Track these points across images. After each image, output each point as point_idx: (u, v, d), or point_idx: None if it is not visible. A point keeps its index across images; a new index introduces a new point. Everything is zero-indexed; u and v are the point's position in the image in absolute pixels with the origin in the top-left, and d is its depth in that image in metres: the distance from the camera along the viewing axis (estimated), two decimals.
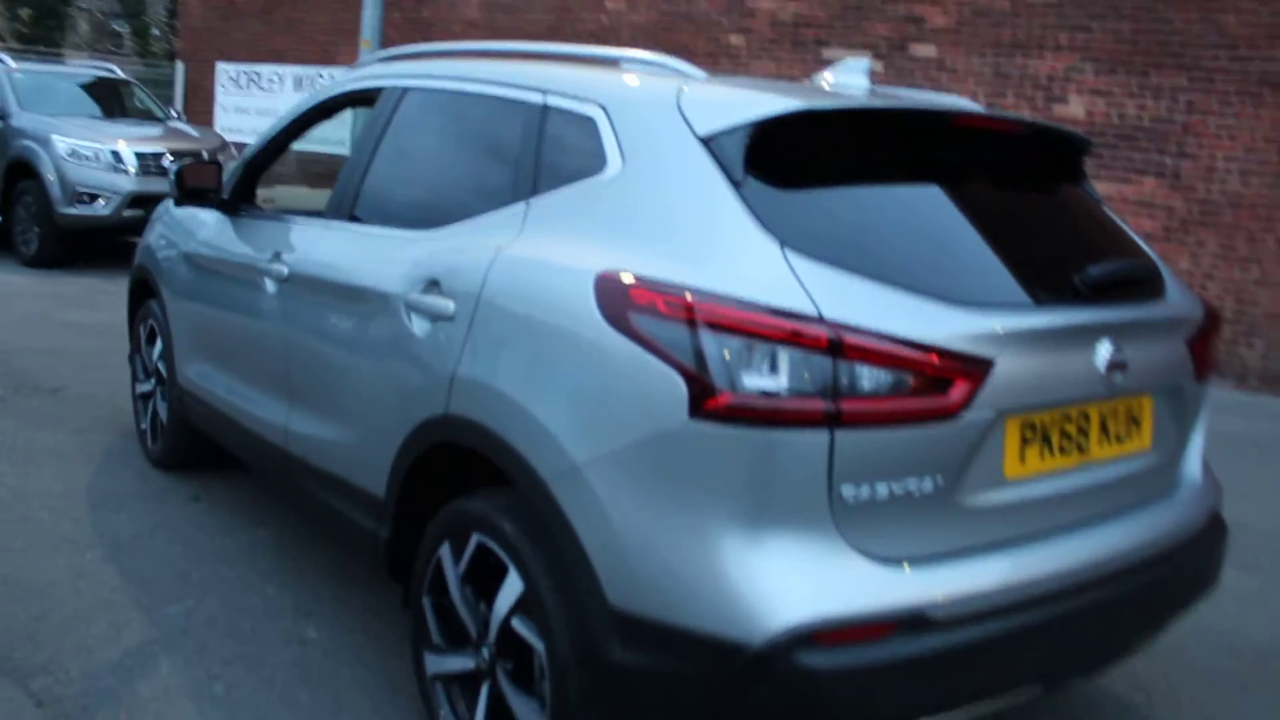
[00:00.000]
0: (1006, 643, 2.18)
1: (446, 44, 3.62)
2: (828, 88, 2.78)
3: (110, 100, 11.50)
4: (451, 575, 2.63)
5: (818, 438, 2.00)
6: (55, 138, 9.82)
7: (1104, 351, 2.35)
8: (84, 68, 12.62)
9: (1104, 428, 2.46)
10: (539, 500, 2.29)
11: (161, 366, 4.59)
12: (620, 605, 2.14)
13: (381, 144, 3.30)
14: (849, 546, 2.05)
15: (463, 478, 2.68)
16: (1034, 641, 2.25)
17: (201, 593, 3.60)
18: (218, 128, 15.46)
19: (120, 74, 12.50)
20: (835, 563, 2.04)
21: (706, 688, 2.06)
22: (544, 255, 2.47)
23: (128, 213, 9.78)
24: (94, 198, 9.74)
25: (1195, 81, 8.41)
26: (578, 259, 2.35)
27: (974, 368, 2.10)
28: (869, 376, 2.02)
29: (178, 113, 13.75)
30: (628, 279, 2.21)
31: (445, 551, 2.65)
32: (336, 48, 14.72)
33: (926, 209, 2.45)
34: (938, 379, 2.07)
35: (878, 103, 2.59)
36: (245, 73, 16.11)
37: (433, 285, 2.73)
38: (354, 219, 3.29)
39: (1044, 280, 2.38)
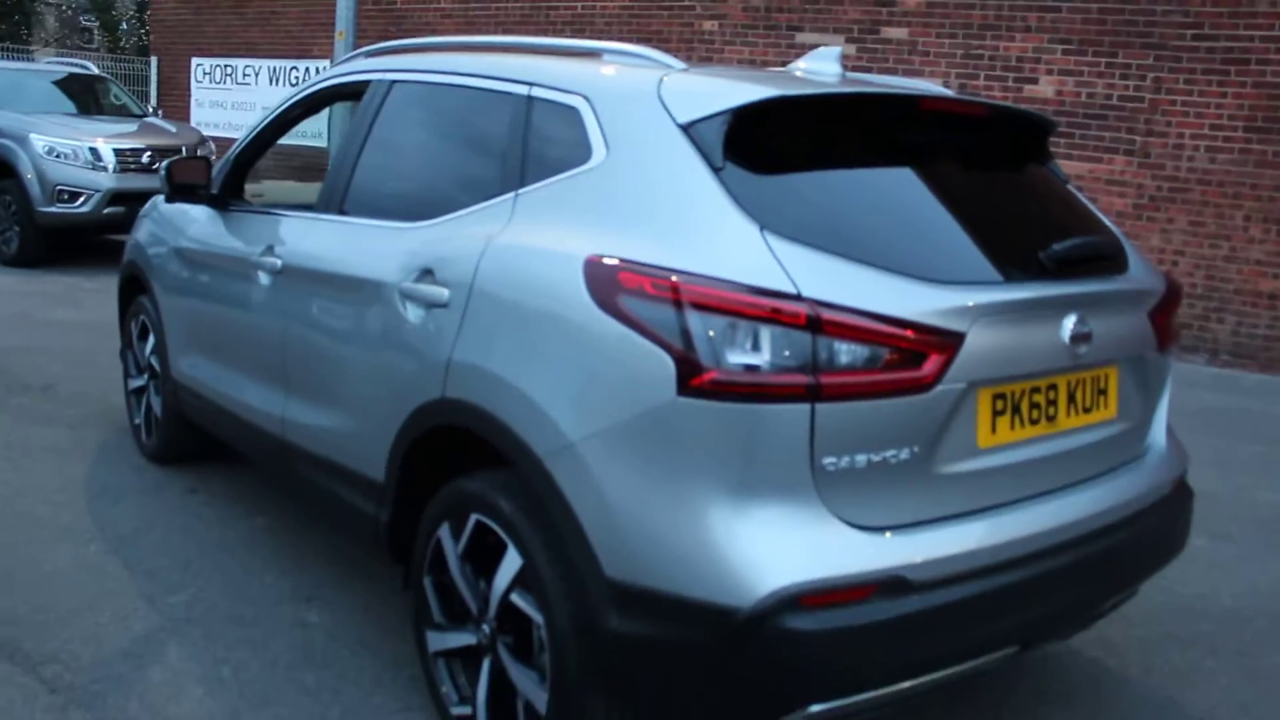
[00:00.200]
0: (983, 604, 2.29)
1: (432, 39, 3.71)
2: (801, 75, 2.88)
3: (86, 97, 11.48)
4: (451, 554, 2.73)
5: (799, 410, 2.11)
6: (33, 136, 9.81)
7: (1069, 324, 2.46)
8: (58, 64, 12.57)
9: (1072, 398, 2.58)
10: (535, 478, 2.39)
11: (154, 361, 4.66)
12: (616, 576, 2.24)
13: (370, 137, 3.38)
14: (831, 514, 2.16)
15: (459, 460, 2.78)
16: (1010, 603, 2.36)
17: (204, 581, 3.69)
18: (194, 122, 15.44)
19: (95, 70, 12.48)
20: (818, 529, 2.15)
21: (699, 652, 2.16)
22: (534, 242, 2.57)
23: (108, 210, 9.80)
24: (74, 196, 9.75)
25: (1162, 60, 8.56)
26: (566, 245, 2.45)
27: (946, 341, 2.21)
28: (846, 351, 2.13)
29: (154, 108, 13.73)
30: (615, 263, 2.31)
31: (444, 531, 2.75)
32: (311, 40, 14.72)
33: (898, 190, 2.56)
34: (912, 352, 2.18)
35: (849, 89, 2.69)
36: (220, 66, 16.08)
37: (426, 274, 2.82)
38: (345, 212, 3.37)
39: (1011, 257, 2.49)
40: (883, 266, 2.24)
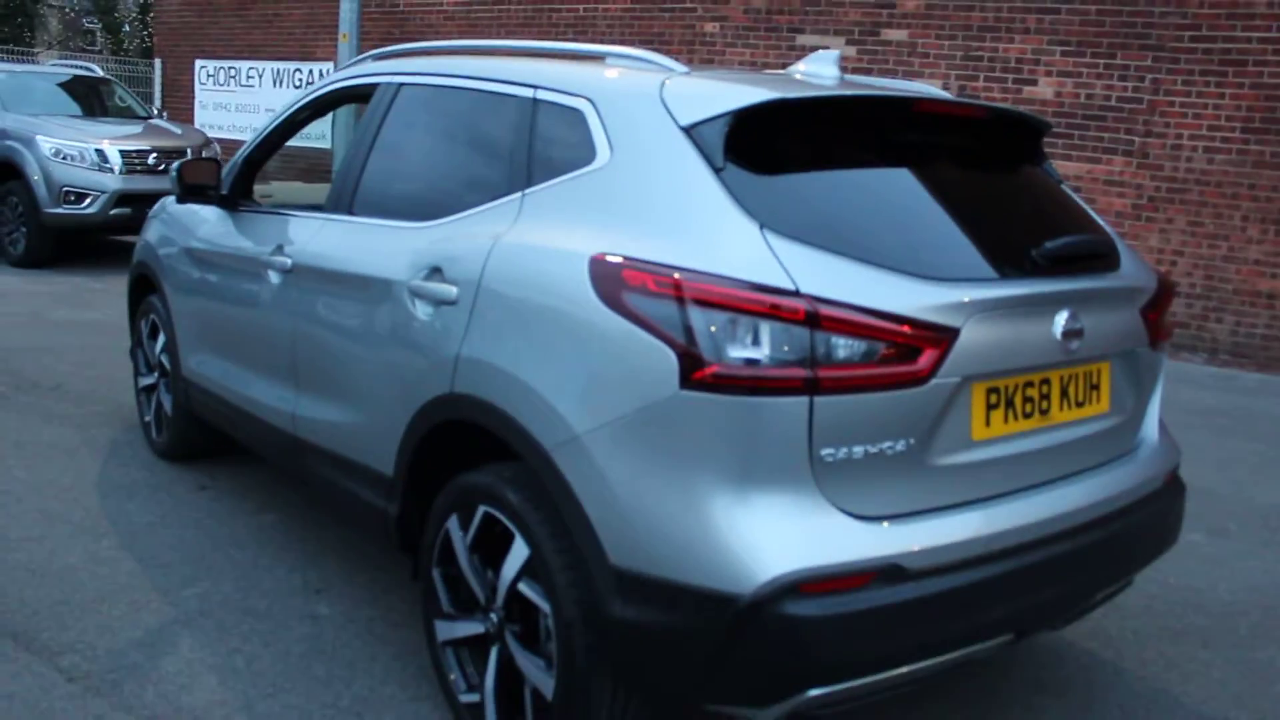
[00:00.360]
0: (978, 592, 2.36)
1: (439, 42, 3.77)
2: (800, 78, 2.95)
3: (91, 99, 11.57)
4: (460, 545, 2.80)
5: (798, 403, 2.17)
6: (40, 138, 9.90)
7: (1061, 320, 2.53)
8: (63, 67, 12.65)
9: (1065, 393, 2.65)
10: (542, 469, 2.46)
11: (165, 360, 4.73)
12: (621, 564, 2.31)
13: (378, 139, 3.45)
14: (829, 504, 2.23)
15: (467, 454, 2.85)
16: (1004, 591, 2.43)
17: (216, 575, 3.76)
18: (198, 124, 15.53)
19: (100, 72, 12.56)
20: (817, 519, 2.21)
21: (702, 638, 2.22)
22: (540, 241, 2.64)
23: (114, 211, 9.89)
24: (80, 197, 9.83)
25: (1160, 62, 8.63)
26: (572, 243, 2.52)
27: (940, 336, 2.28)
28: (843, 346, 2.19)
29: (159, 110, 13.81)
30: (619, 260, 2.38)
31: (453, 523, 2.82)
32: (314, 42, 14.81)
33: (894, 190, 2.63)
34: (907, 347, 2.25)
35: (846, 92, 2.76)
36: (223, 69, 16.17)
37: (435, 272, 2.89)
38: (354, 212, 3.44)
39: (1005, 255, 2.56)
40: (879, 264, 2.31)
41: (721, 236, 2.33)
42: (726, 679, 2.26)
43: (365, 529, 3.38)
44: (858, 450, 2.24)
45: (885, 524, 2.29)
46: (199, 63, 16.51)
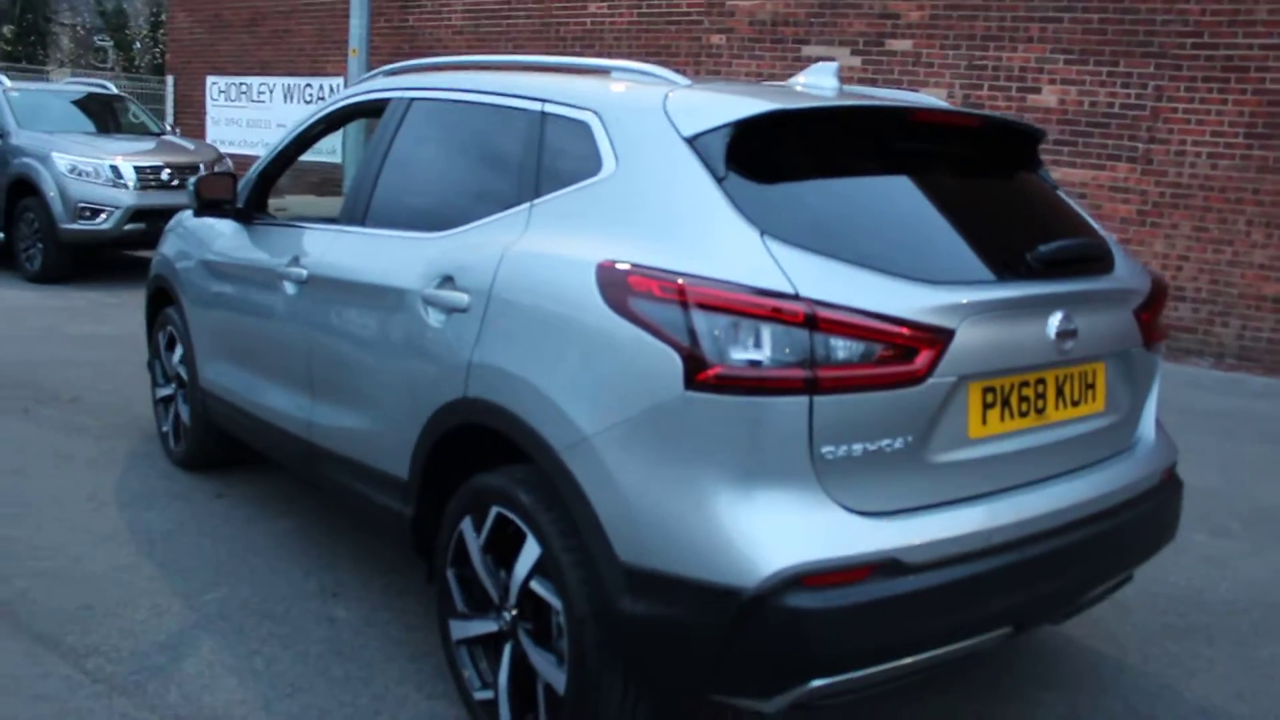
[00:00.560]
0: (976, 585, 2.43)
1: (449, 58, 3.87)
2: (800, 89, 3.04)
3: (105, 116, 11.70)
4: (473, 546, 2.88)
5: (798, 403, 2.25)
6: (55, 155, 10.02)
7: (1055, 321, 2.60)
8: (77, 84, 12.81)
9: (1060, 392, 2.72)
10: (553, 470, 2.54)
11: (182, 370, 4.83)
12: (629, 561, 2.39)
13: (391, 152, 3.55)
14: (830, 499, 2.30)
15: (480, 457, 2.93)
16: (1001, 585, 2.50)
17: (234, 580, 3.85)
18: (210, 140, 15.68)
19: (113, 89, 12.71)
20: (818, 514, 2.29)
21: (708, 631, 2.30)
22: (549, 249, 2.72)
23: (128, 226, 10.01)
24: (95, 213, 9.95)
25: (1163, 69, 8.69)
26: (579, 251, 2.60)
27: (936, 337, 2.36)
28: (842, 347, 2.27)
29: (172, 126, 13.96)
30: (626, 267, 2.46)
31: (467, 525, 2.90)
32: (324, 58, 14.96)
33: (891, 197, 2.71)
34: (904, 348, 2.32)
35: (843, 102, 2.84)
36: (235, 85, 16.34)
37: (447, 281, 2.98)
38: (368, 223, 3.53)
39: (1000, 259, 2.63)
40: (876, 268, 2.39)
41: (723, 243, 2.41)
42: (732, 671, 2.33)
43: (381, 533, 3.46)
44: (857, 448, 2.31)
45: (884, 519, 2.36)
46: (210, 79, 16.68)
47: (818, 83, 3.04)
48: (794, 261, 2.34)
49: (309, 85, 15.20)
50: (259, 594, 3.75)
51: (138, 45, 31.70)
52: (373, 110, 3.86)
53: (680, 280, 2.35)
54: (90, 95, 12.04)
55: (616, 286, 2.46)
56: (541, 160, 2.94)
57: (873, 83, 9.78)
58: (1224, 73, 8.45)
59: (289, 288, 3.79)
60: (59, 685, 3.09)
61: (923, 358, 2.34)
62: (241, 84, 16.23)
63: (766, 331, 2.27)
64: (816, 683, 2.31)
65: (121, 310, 8.80)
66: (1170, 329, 8.79)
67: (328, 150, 12.52)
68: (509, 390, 2.70)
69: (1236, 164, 8.48)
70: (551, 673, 2.65)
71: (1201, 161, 8.62)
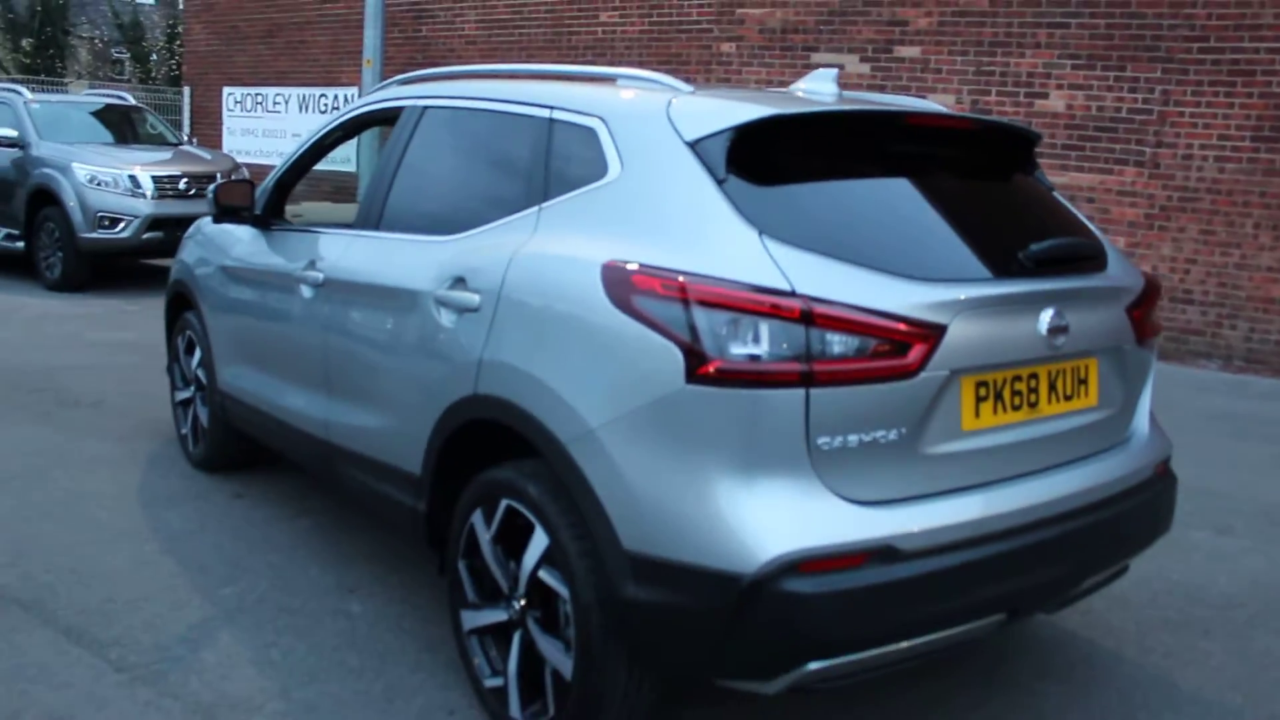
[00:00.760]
0: (969, 572, 2.51)
1: (461, 67, 3.98)
2: (801, 95, 3.13)
3: (123, 126, 11.87)
4: (484, 538, 2.98)
5: (795, 395, 2.34)
6: (75, 165, 10.18)
7: (1046, 318, 2.68)
8: (95, 96, 12.98)
9: (1053, 386, 2.80)
10: (560, 462, 2.64)
11: (201, 374, 4.94)
12: (633, 548, 2.48)
13: (404, 159, 3.65)
14: (826, 489, 2.39)
15: (489, 452, 3.02)
16: (994, 572, 2.58)
17: (252, 576, 3.95)
18: (226, 149, 15.86)
19: (132, 101, 12.88)
20: (814, 503, 2.38)
21: (709, 615, 2.38)
22: (556, 250, 2.82)
23: (147, 235, 10.16)
24: (114, 222, 10.10)
25: (1169, 73, 8.76)
26: (585, 252, 2.70)
27: (929, 332, 2.44)
28: (837, 341, 2.36)
29: (189, 136, 14.13)
30: (630, 267, 2.56)
31: (478, 517, 3.00)
32: (339, 68, 15.12)
33: (887, 198, 2.80)
34: (897, 343, 2.41)
35: (840, 107, 2.93)
36: (250, 95, 16.52)
37: (459, 282, 3.08)
38: (382, 228, 3.64)
39: (993, 257, 2.71)
40: (871, 266, 2.48)
41: (723, 243, 2.50)
42: (732, 654, 2.42)
43: (395, 528, 3.56)
44: (853, 439, 2.40)
45: (880, 508, 2.44)
46: (227, 89, 16.87)
47: (817, 89, 3.13)
48: (791, 260, 2.43)
49: (324, 95, 15.37)
50: (276, 589, 3.85)
51: (154, 57, 31.99)
52: (387, 118, 3.97)
53: (681, 278, 2.44)
54: (109, 106, 12.21)
55: (621, 285, 2.55)
56: (549, 165, 3.05)
57: (881, 89, 9.87)
58: (1230, 76, 8.51)
59: (306, 291, 3.90)
60: (84, 674, 3.20)
61: (916, 352, 2.43)
62: (257, 94, 16.41)
63: (764, 327, 2.36)
64: (814, 665, 2.39)
65: (140, 317, 8.94)
66: (1178, 332, 8.84)
67: (341, 159, 12.69)
68: (518, 386, 2.79)
69: (1243, 167, 8.53)
70: (559, 659, 2.74)
71: (1208, 165, 8.68)
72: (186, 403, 5.18)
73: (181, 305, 5.17)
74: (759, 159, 2.66)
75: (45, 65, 28.81)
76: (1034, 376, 2.74)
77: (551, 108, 3.13)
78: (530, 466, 2.82)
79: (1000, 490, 2.65)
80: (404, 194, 3.63)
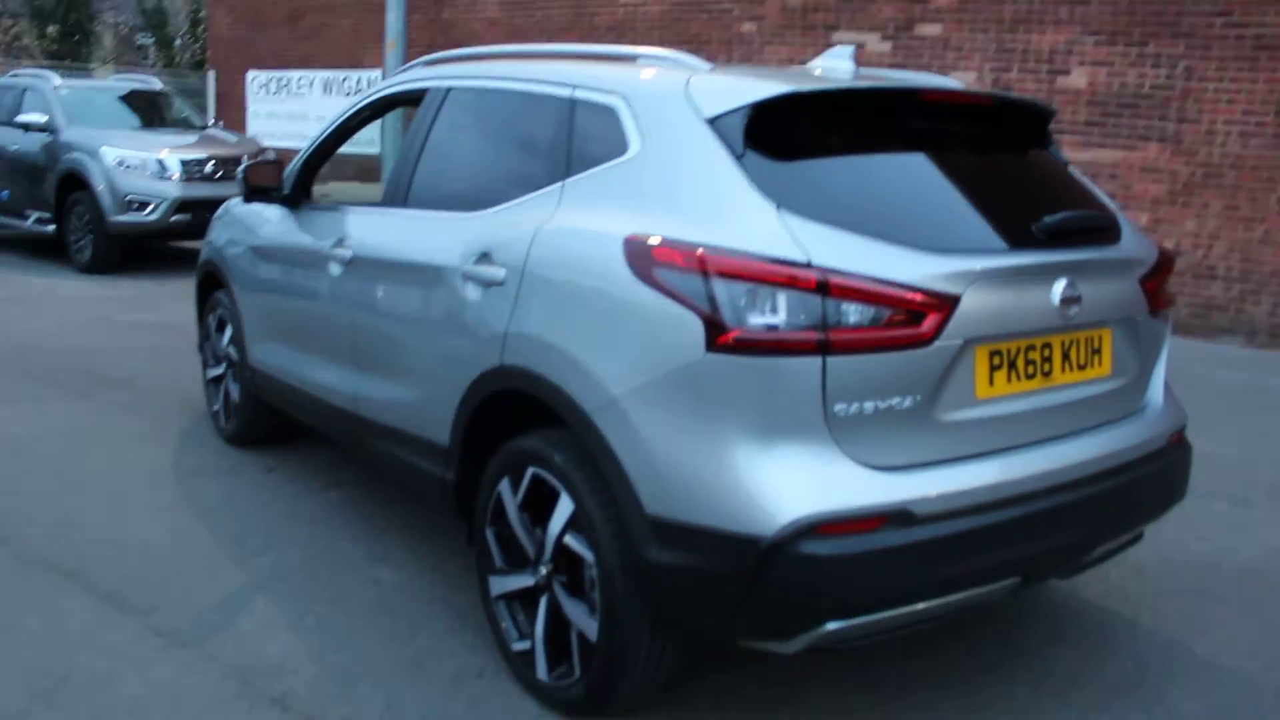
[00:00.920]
0: (982, 536, 2.58)
1: (484, 48, 4.05)
2: (818, 72, 3.19)
3: (150, 111, 11.98)
4: (511, 505, 3.07)
5: (812, 363, 2.41)
6: (104, 149, 10.30)
7: (1059, 288, 2.74)
8: (122, 81, 13.10)
9: (1066, 356, 2.86)
10: (584, 430, 2.72)
11: (232, 351, 5.05)
12: (655, 513, 2.56)
13: (430, 138, 3.73)
14: (843, 454, 2.46)
15: (515, 422, 3.11)
16: (1008, 536, 2.64)
17: (285, 546, 4.06)
18: (251, 133, 15.99)
19: (159, 85, 13.01)
20: (832, 468, 2.45)
21: (729, 576, 2.46)
22: (579, 225, 2.90)
23: (175, 218, 10.28)
24: (143, 205, 10.23)
25: (1192, 48, 8.72)
26: (607, 226, 2.78)
27: (943, 302, 2.51)
28: (853, 311, 2.43)
29: (215, 120, 14.25)
30: (651, 240, 2.63)
31: (505, 485, 3.08)
32: (362, 51, 15.21)
33: (901, 173, 2.85)
34: (911, 312, 2.47)
35: (856, 83, 2.99)
36: (275, 79, 16.63)
37: (485, 257, 3.16)
38: (409, 205, 3.72)
39: (1006, 230, 2.77)
40: (886, 238, 2.54)
41: (742, 216, 2.57)
42: (752, 615, 2.50)
43: (424, 498, 3.65)
44: (869, 405, 2.47)
45: (895, 473, 2.51)
46: (251, 73, 17.00)
47: (834, 66, 3.19)
48: (808, 232, 2.50)
49: (347, 78, 15.47)
50: (309, 559, 3.95)
51: (178, 42, 32.18)
52: (412, 99, 4.05)
53: (701, 251, 2.52)
54: (135, 91, 12.32)
55: (642, 258, 2.63)
56: (571, 143, 3.12)
57: (903, 67, 9.86)
58: (1254, 51, 8.47)
59: (334, 268, 3.99)
60: (125, 637, 3.31)
61: (930, 321, 2.49)
62: (281, 78, 16.52)
63: (782, 297, 2.43)
64: (831, 625, 2.46)
65: (169, 299, 9.08)
66: (1201, 307, 8.83)
67: (366, 141, 12.77)
68: (542, 357, 2.87)
69: (1267, 142, 8.50)
70: (584, 622, 2.83)
71: (1232, 140, 8.65)
72: (218, 380, 5.30)
73: (212, 285, 5.28)
74: (776, 135, 2.72)
75: (70, 51, 29.04)
76: (1047, 346, 2.80)
77: (573, 87, 3.20)
78: (555, 435, 2.91)
79: (1014, 456, 2.71)
80: (430, 172, 3.70)
